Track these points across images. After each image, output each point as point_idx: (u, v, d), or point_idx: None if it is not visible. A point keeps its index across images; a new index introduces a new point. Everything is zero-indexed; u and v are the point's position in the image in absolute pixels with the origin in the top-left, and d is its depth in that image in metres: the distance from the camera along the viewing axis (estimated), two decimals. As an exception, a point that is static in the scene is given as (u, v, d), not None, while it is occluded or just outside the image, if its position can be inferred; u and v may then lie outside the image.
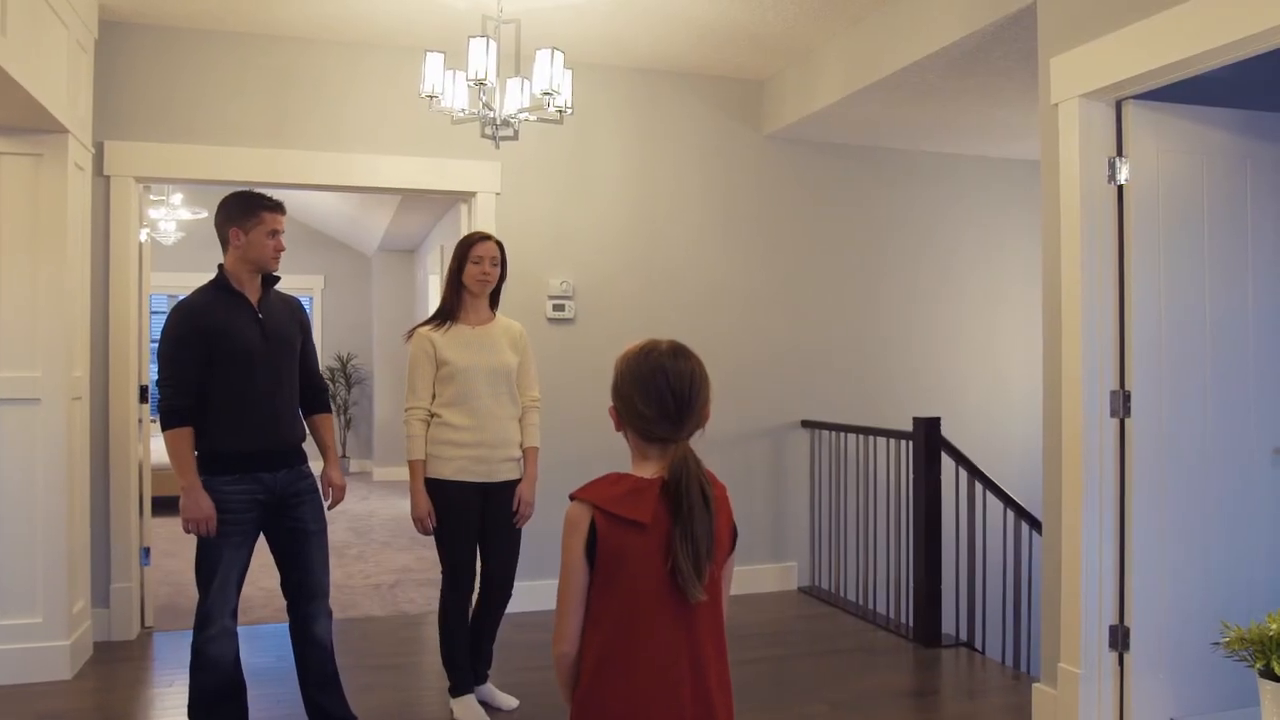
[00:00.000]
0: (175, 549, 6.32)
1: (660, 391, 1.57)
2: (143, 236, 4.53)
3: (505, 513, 3.40)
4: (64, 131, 3.75)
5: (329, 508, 3.10)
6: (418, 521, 3.32)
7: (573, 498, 1.58)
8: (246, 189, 2.99)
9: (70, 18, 3.67)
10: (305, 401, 3.11)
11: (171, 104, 4.41)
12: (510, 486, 3.40)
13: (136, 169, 4.36)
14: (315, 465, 3.01)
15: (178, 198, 7.79)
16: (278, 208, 2.93)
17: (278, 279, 3.02)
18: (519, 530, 3.46)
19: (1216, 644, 2.34)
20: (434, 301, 8.99)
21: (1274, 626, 2.14)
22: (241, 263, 2.90)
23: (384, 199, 7.45)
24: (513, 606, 4.75)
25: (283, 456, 2.91)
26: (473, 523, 3.34)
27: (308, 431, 3.10)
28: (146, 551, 4.50)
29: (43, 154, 3.75)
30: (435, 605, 4.97)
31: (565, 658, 1.59)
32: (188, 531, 2.78)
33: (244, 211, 2.89)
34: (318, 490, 3.03)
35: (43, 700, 3.56)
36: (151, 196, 7.21)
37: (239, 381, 2.84)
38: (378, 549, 6.63)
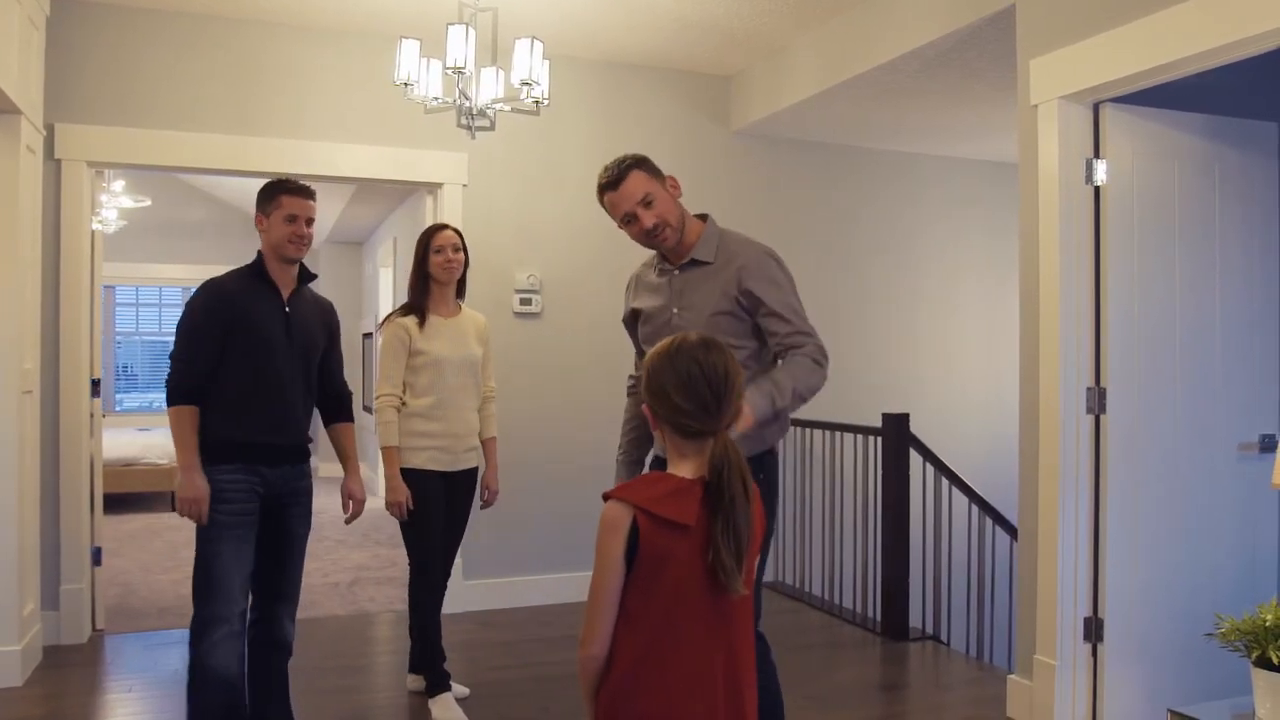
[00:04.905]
0: (122, 548, 6.12)
1: (696, 384, 1.55)
2: (96, 225, 4.35)
3: (462, 501, 3.50)
4: (16, 112, 3.57)
5: (347, 521, 3.05)
6: (395, 506, 3.31)
7: (608, 497, 1.55)
8: (279, 177, 2.91)
9: (24, -7, 3.51)
10: (327, 410, 3.05)
11: (127, 86, 4.24)
12: (467, 474, 3.49)
13: (89, 153, 4.18)
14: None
15: (119, 184, 7.50)
16: (300, 192, 2.82)
17: (314, 276, 2.95)
18: (467, 519, 3.55)
19: (1210, 634, 2.39)
20: (384, 294, 8.87)
21: (1268, 617, 2.20)
22: (268, 251, 2.83)
23: (336, 189, 7.26)
24: (480, 604, 4.74)
25: (285, 453, 2.82)
26: (442, 512, 3.40)
27: (313, 434, 3.01)
28: (98, 551, 4.33)
29: (-8, 135, 3.58)
30: (395, 604, 4.92)
31: (595, 660, 1.55)
32: (182, 514, 2.69)
33: (266, 197, 2.82)
34: (311, 493, 2.97)
35: (-6, 708, 3.41)
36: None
37: (253, 371, 2.75)
38: (331, 547, 6.48)
